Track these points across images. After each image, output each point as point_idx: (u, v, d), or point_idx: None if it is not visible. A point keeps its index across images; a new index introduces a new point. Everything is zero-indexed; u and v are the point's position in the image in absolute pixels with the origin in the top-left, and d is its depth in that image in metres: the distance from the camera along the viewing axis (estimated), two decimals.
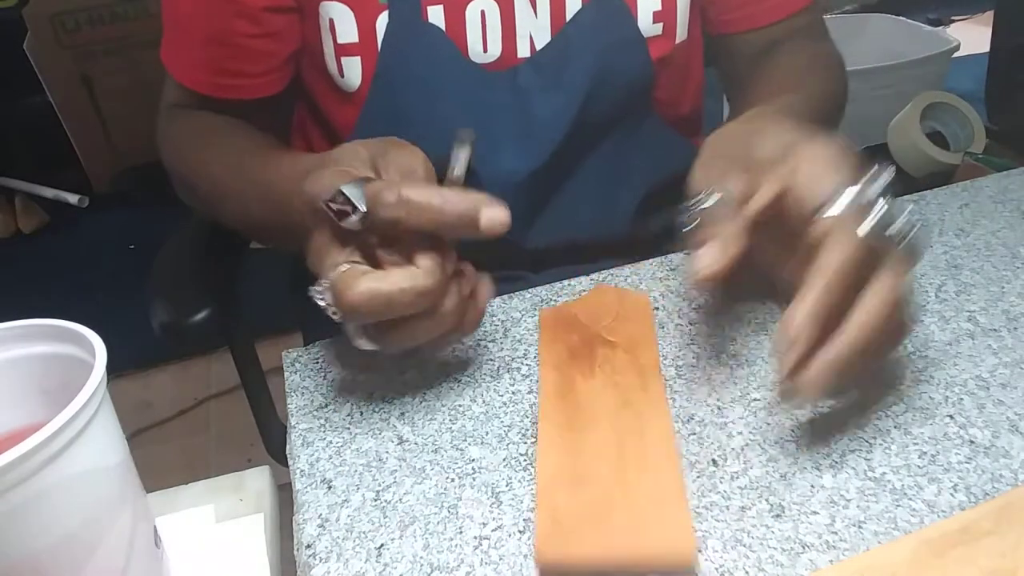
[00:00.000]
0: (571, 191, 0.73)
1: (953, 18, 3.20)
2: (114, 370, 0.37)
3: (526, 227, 0.72)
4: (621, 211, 0.76)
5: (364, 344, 0.45)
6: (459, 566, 0.39)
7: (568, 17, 0.68)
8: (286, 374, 0.53)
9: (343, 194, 0.42)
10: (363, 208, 0.42)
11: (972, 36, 2.52)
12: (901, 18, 2.20)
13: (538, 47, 0.68)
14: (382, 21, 0.65)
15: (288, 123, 0.82)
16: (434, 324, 0.44)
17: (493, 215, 0.42)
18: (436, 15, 0.66)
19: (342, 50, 0.66)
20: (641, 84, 0.72)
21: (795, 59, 0.72)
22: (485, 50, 0.67)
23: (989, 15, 2.30)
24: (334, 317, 0.43)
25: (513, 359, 0.52)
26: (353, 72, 0.67)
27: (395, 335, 0.44)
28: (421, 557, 0.39)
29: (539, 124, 0.69)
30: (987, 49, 2.07)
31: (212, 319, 0.67)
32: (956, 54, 1.98)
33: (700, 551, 0.38)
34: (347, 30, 0.65)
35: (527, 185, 0.70)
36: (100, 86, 2.39)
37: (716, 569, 0.37)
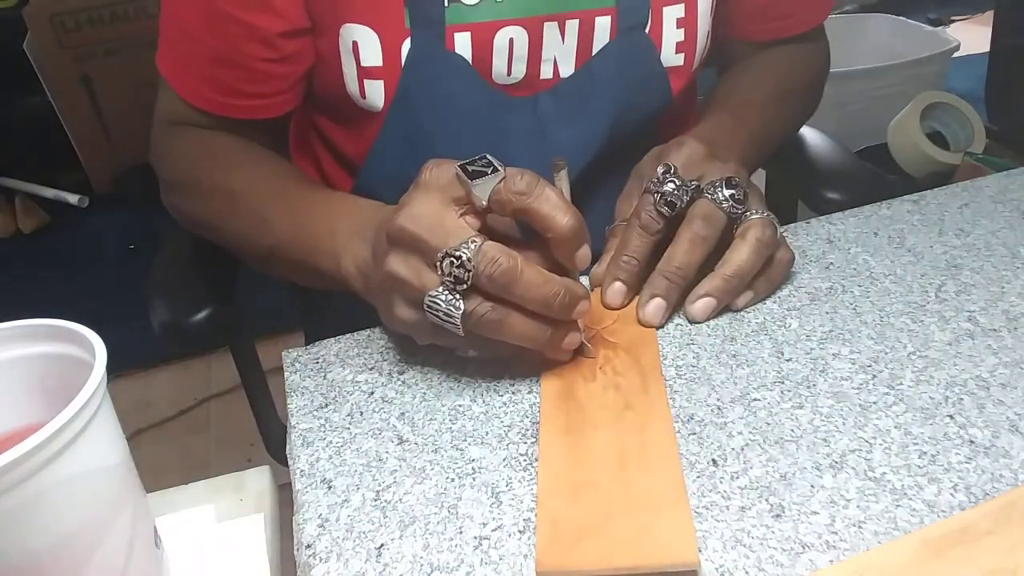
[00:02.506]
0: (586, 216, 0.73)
1: (953, 18, 3.20)
2: (114, 370, 0.38)
3: None
4: None
5: (454, 324, 0.45)
6: (459, 566, 0.39)
7: (595, 45, 0.67)
8: (286, 374, 0.53)
9: (486, 157, 0.46)
10: (502, 171, 0.45)
11: (972, 36, 2.53)
12: (901, 18, 2.20)
13: (561, 72, 0.68)
14: (406, 46, 0.64)
15: (286, 137, 0.81)
16: (542, 328, 0.46)
17: (587, 253, 0.48)
18: (463, 41, 0.64)
19: (365, 73, 0.65)
20: (658, 115, 0.72)
21: (769, 69, 0.77)
22: (509, 73, 0.67)
23: (989, 15, 2.31)
24: (454, 289, 0.45)
25: (513, 360, 0.52)
26: (376, 94, 0.66)
27: (512, 322, 0.46)
28: (421, 557, 0.39)
29: (558, 153, 0.69)
30: (987, 49, 2.07)
31: (212, 319, 0.67)
32: (956, 54, 1.98)
33: (700, 551, 0.38)
34: (371, 54, 0.64)
35: None
36: (100, 86, 2.39)
37: (716, 569, 0.37)
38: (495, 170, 0.46)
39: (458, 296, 0.45)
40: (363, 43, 0.64)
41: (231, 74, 0.65)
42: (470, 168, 0.46)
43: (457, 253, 0.44)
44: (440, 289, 0.45)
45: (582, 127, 0.69)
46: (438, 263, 0.45)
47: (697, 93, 0.83)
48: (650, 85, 0.70)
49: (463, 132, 0.68)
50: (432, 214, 0.46)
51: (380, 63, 0.64)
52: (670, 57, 0.69)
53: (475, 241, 0.44)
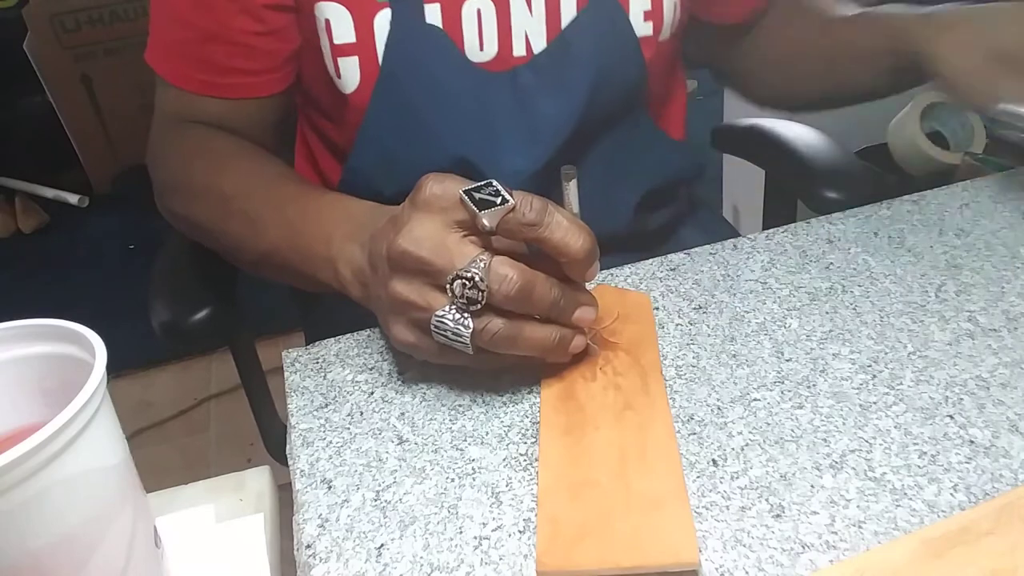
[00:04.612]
0: (579, 189, 0.74)
1: None
2: (114, 370, 0.38)
3: None
4: (622, 209, 0.77)
5: (463, 344, 0.45)
6: (459, 566, 0.39)
7: (563, 16, 0.68)
8: (286, 374, 0.53)
9: (492, 185, 0.45)
10: (511, 200, 0.44)
11: None
12: None
13: (533, 46, 0.69)
14: (379, 20, 0.65)
15: (290, 143, 0.81)
16: (551, 337, 0.46)
17: (597, 267, 0.47)
18: (433, 14, 0.66)
19: (338, 51, 0.66)
20: (636, 85, 0.73)
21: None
22: (481, 48, 0.68)
23: None
24: (465, 309, 0.44)
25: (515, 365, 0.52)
26: (350, 72, 0.67)
27: (525, 336, 0.46)
28: (421, 557, 0.39)
29: (541, 126, 0.70)
30: None
31: (212, 319, 0.67)
32: None
33: (700, 551, 0.38)
34: (344, 31, 0.65)
35: (530, 184, 0.70)
36: (100, 86, 2.39)
37: (716, 569, 0.37)
38: (504, 200, 0.44)
39: (466, 315, 0.44)
40: (335, 20, 0.64)
41: (219, 50, 0.66)
42: (476, 196, 0.44)
43: (468, 274, 0.43)
44: (447, 309, 0.44)
45: (563, 98, 0.70)
46: (448, 285, 0.44)
47: (682, 72, 0.83)
48: (624, 53, 0.70)
49: (448, 109, 0.68)
50: (434, 235, 0.45)
51: (353, 39, 0.65)
52: (639, 26, 0.70)
53: (483, 259, 0.44)
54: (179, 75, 0.68)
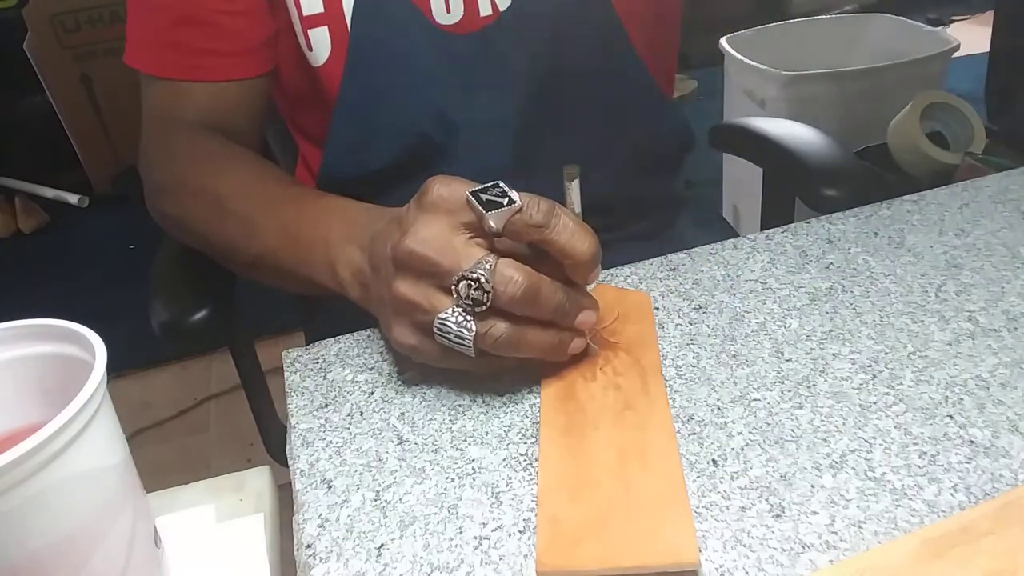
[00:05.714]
0: (560, 143, 0.73)
1: (953, 18, 3.21)
2: (114, 370, 0.38)
3: (516, 179, 0.73)
4: (613, 164, 0.77)
5: (465, 346, 0.45)
6: (459, 566, 0.39)
7: None
8: (286, 374, 0.53)
9: (499, 186, 0.45)
10: (518, 202, 0.44)
11: (972, 36, 2.53)
12: (901, 18, 2.20)
13: (499, 5, 0.70)
14: None
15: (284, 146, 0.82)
16: (553, 339, 0.46)
17: (599, 270, 0.47)
18: None
19: (308, 22, 0.66)
20: (608, 29, 0.73)
21: None
22: (448, 11, 0.68)
23: (989, 15, 2.31)
24: (471, 311, 0.44)
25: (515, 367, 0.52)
26: (321, 44, 0.67)
27: (528, 339, 0.46)
28: (421, 557, 0.39)
29: (513, 79, 0.71)
30: (987, 49, 2.07)
31: (212, 319, 0.67)
32: (956, 54, 1.98)
33: (700, 551, 0.38)
34: (312, 1, 0.66)
35: (508, 136, 0.71)
36: (100, 86, 2.39)
37: (716, 569, 0.37)
38: (510, 201, 0.44)
39: (470, 318, 0.44)
40: None
41: (192, 32, 0.67)
42: (483, 197, 0.45)
43: (474, 275, 0.43)
44: (450, 311, 0.44)
45: (532, 50, 0.70)
46: (453, 286, 0.44)
47: (675, 31, 0.83)
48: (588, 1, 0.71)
49: (419, 75, 0.69)
50: (441, 236, 0.45)
51: (322, 9, 0.66)
52: None
53: (488, 261, 0.44)
54: (157, 63, 0.69)
